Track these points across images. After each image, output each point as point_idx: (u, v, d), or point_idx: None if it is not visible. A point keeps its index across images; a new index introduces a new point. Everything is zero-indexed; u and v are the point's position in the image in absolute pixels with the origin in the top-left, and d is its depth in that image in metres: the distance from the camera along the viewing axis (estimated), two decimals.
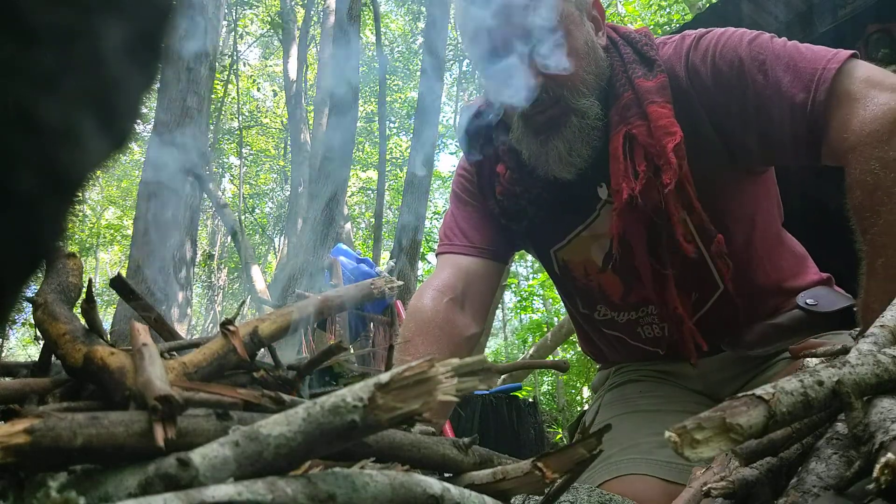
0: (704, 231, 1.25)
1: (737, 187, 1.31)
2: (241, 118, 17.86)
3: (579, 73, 1.23)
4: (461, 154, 1.54)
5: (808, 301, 1.32)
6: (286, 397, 0.54)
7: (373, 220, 12.08)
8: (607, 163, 1.25)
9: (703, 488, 0.63)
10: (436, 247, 1.54)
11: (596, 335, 1.54)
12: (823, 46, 1.18)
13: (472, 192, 1.48)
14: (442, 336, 1.32)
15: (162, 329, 0.75)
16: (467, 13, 1.24)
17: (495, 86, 1.27)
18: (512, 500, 0.57)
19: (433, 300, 1.37)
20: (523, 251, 1.61)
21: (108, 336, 0.66)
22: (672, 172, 1.17)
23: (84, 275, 0.71)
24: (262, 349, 0.70)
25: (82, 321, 0.64)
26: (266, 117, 19.61)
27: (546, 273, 1.56)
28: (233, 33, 16.52)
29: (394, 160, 15.76)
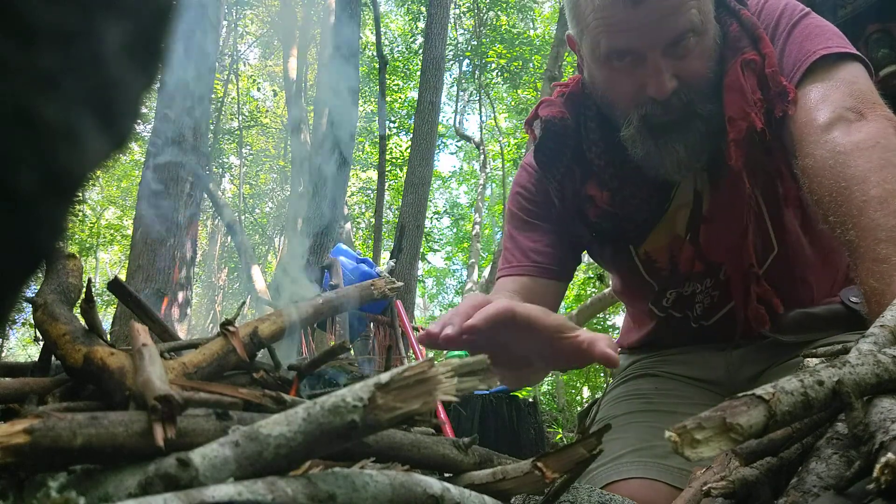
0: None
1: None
2: (241, 118, 17.87)
3: (707, 74, 1.17)
4: (517, 171, 1.44)
5: (852, 298, 1.25)
6: (286, 397, 0.54)
7: (373, 220, 12.08)
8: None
9: (703, 488, 0.63)
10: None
11: (655, 324, 1.45)
12: (835, 33, 1.17)
13: (535, 213, 1.40)
14: None
15: (160, 331, 0.75)
16: (605, 3, 1.12)
17: (622, 84, 1.19)
18: (512, 500, 0.57)
19: None
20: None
21: (108, 336, 0.66)
22: (788, 103, 1.13)
23: (84, 275, 0.71)
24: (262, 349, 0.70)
25: (82, 321, 0.64)
26: (266, 117, 19.61)
27: None
28: (233, 33, 16.53)
29: (394, 160, 15.74)
